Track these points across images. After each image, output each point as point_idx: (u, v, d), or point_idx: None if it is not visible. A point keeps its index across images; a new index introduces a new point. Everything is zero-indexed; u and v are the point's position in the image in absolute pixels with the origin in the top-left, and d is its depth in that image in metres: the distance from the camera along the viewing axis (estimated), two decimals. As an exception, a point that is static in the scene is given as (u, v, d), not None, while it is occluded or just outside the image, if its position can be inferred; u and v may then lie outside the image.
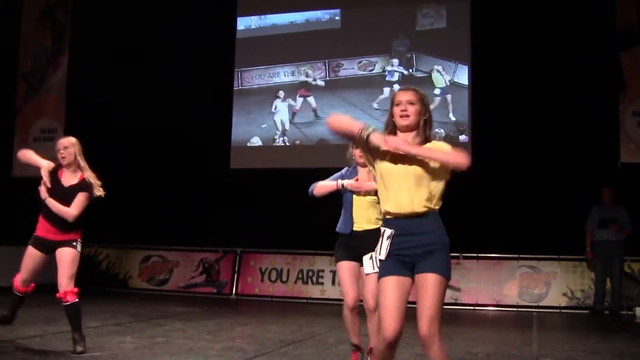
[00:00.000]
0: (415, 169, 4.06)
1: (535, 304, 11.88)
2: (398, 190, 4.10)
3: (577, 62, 12.04)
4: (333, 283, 12.96)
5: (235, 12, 14.75)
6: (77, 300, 6.58)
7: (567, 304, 11.91)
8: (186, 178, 14.06)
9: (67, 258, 6.54)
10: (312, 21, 14.38)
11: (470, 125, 12.78)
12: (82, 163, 6.73)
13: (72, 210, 6.48)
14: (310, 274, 13.18)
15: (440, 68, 13.31)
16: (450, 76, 13.30)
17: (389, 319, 4.07)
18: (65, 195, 6.52)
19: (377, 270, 5.69)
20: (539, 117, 12.18)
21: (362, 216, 6.18)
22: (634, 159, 11.96)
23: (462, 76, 13.23)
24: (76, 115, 14.66)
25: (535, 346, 7.85)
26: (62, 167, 6.66)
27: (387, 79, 13.64)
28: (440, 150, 4.05)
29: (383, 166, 4.18)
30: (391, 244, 4.11)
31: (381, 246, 4.17)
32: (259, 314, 10.71)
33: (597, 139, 11.99)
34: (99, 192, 6.71)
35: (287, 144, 13.99)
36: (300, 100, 14.00)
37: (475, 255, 12.12)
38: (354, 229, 6.21)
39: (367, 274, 5.92)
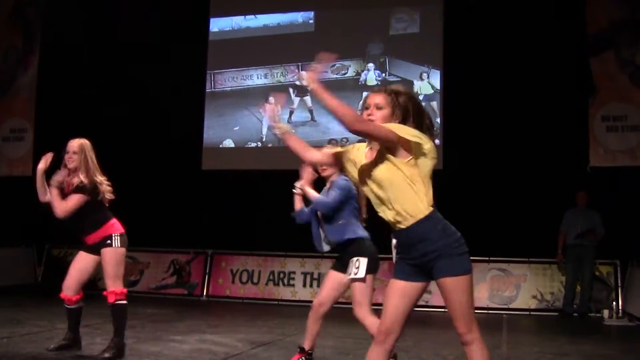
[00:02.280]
0: (375, 177, 3.94)
1: (505, 306, 11.95)
2: (376, 206, 4.04)
3: (548, 67, 12.15)
4: (304, 285, 12.98)
5: (209, 13, 14.72)
6: (118, 302, 6.38)
7: (537, 306, 12.00)
8: (158, 179, 13.98)
9: (104, 259, 6.41)
10: (286, 24, 14.39)
11: (442, 129, 12.84)
12: (91, 166, 6.50)
13: (65, 207, 6.32)
14: (282, 275, 13.17)
15: (425, 75, 13.36)
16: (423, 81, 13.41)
17: (384, 320, 4.04)
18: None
19: (349, 276, 5.75)
20: (510, 121, 12.25)
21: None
22: (603, 163, 12.09)
23: (434, 80, 13.31)
24: (46, 116, 14.56)
25: (505, 348, 7.90)
26: (68, 169, 6.47)
27: (360, 82, 13.70)
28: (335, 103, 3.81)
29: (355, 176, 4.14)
30: (397, 253, 4.09)
31: (393, 253, 4.19)
32: (230, 315, 10.69)
33: (567, 143, 12.11)
34: (109, 195, 6.57)
35: (279, 144, 13.90)
36: (297, 100, 13.97)
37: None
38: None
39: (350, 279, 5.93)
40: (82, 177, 6.37)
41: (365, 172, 4.00)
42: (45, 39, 14.84)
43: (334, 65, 13.81)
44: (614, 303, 11.68)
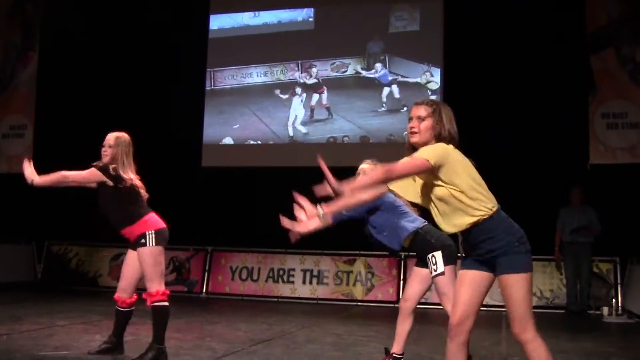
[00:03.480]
0: (436, 193, 4.04)
1: (505, 304, 11.93)
2: (436, 217, 4.13)
3: (548, 64, 12.16)
4: (304, 282, 12.99)
5: (209, 10, 14.71)
6: (157, 303, 6.07)
7: (537, 303, 11.98)
8: (157, 176, 13.84)
9: (140, 260, 6.10)
10: (286, 22, 14.38)
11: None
12: (120, 160, 6.23)
13: (65, 172, 6.07)
14: (281, 272, 13.18)
15: (430, 73, 13.36)
16: (418, 78, 13.48)
17: (456, 310, 4.04)
18: (104, 192, 6.19)
19: (433, 274, 5.71)
20: (511, 119, 12.24)
21: None
22: (603, 160, 12.10)
23: (435, 78, 13.33)
24: (46, 112, 14.56)
25: (504, 346, 7.89)
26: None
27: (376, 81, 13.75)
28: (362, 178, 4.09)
29: (418, 191, 4.22)
30: (464, 248, 4.15)
31: (460, 245, 4.24)
32: (229, 312, 10.69)
33: (567, 141, 12.11)
34: (143, 192, 6.32)
35: (298, 140, 13.94)
36: (316, 96, 13.97)
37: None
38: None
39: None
40: (107, 162, 6.13)
41: (424, 190, 4.13)
42: (45, 36, 14.84)
43: (334, 63, 13.82)
44: (614, 300, 11.71)
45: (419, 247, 5.88)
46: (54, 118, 14.21)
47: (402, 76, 13.55)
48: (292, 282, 13.10)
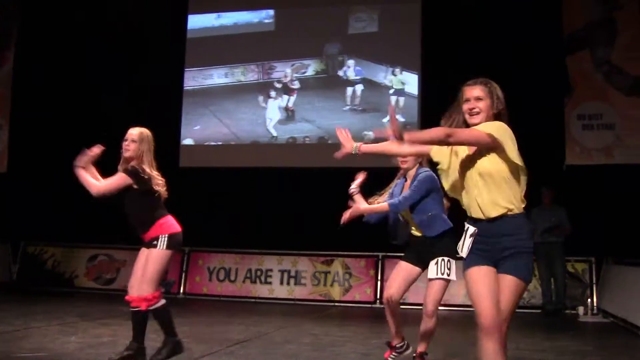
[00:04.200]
0: (484, 167, 3.92)
1: (482, 304, 11.98)
2: (472, 192, 3.98)
3: (525, 65, 12.20)
4: (281, 283, 12.99)
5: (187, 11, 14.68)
6: (153, 307, 5.99)
7: (513, 303, 12.05)
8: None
9: (147, 259, 6.02)
10: (246, 23, 14.42)
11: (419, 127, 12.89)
12: (146, 157, 6.13)
13: (98, 184, 5.94)
14: (259, 273, 13.16)
15: (397, 70, 13.42)
16: (378, 79, 13.63)
17: (485, 307, 3.91)
18: (125, 192, 6.07)
19: (440, 276, 5.70)
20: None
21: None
22: (579, 161, 12.21)
23: (402, 77, 13.48)
24: (22, 112, 14.46)
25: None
26: (123, 159, 6.13)
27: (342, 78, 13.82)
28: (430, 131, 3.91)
29: (455, 166, 4.08)
30: (474, 242, 3.99)
31: (463, 243, 4.04)
32: (207, 313, 10.67)
33: (543, 142, 12.17)
34: (163, 192, 6.17)
35: (263, 142, 13.94)
36: (292, 98, 14.00)
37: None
38: (415, 234, 6.09)
39: (430, 279, 5.85)
40: (134, 164, 6.05)
41: (468, 162, 4.00)
42: (21, 35, 14.74)
43: (294, 64, 13.87)
44: (589, 300, 11.80)
45: (440, 246, 5.81)
46: (29, 118, 14.12)
47: (365, 77, 13.66)
48: (270, 283, 13.09)
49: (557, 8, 12.51)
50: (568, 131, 12.37)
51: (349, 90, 13.69)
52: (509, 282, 3.89)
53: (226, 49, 14.30)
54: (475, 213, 3.96)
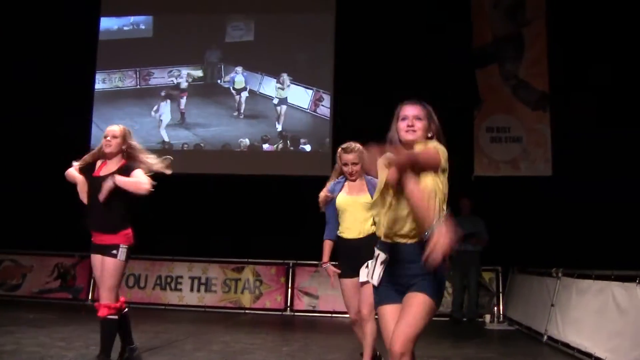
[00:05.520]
0: (422, 184, 3.90)
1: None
2: (393, 212, 3.94)
3: (435, 77, 12.37)
4: (191, 289, 12.90)
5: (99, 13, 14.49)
6: (110, 316, 6.05)
7: (421, 311, 12.22)
8: (42, 179, 13.64)
9: (104, 268, 6.04)
10: (124, 29, 14.36)
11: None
12: (133, 152, 6.24)
13: (142, 181, 6.01)
14: (169, 280, 13.05)
15: (280, 80, 13.57)
16: (257, 87, 13.73)
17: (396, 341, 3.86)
18: (100, 185, 6.02)
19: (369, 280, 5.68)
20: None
21: (357, 227, 6.09)
22: (487, 172, 12.50)
23: (269, 88, 13.73)
24: None
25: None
26: (105, 157, 6.21)
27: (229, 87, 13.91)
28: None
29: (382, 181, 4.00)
30: (384, 271, 3.95)
31: (374, 270, 3.99)
32: (115, 320, 10.52)
33: (453, 153, 12.35)
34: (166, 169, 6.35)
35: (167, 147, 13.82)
36: (183, 101, 13.94)
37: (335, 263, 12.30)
38: (347, 237, 6.12)
39: (361, 283, 5.86)
40: (129, 162, 6.16)
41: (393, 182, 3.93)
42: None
43: (171, 71, 13.87)
44: (495, 308, 12.05)
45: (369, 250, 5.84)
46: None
47: (246, 87, 13.82)
48: (180, 290, 12.99)
49: (467, 22, 12.79)
50: (477, 143, 12.64)
51: (232, 98, 13.82)
52: (418, 298, 3.86)
53: (103, 54, 14.27)
54: (392, 233, 3.98)
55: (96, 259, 6.16)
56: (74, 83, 13.78)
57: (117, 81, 14.14)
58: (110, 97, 14.14)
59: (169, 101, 13.86)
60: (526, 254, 11.43)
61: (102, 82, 14.22)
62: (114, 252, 6.04)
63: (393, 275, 3.94)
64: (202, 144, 13.60)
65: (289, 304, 12.52)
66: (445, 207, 3.99)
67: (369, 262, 4.17)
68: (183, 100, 13.89)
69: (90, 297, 13.05)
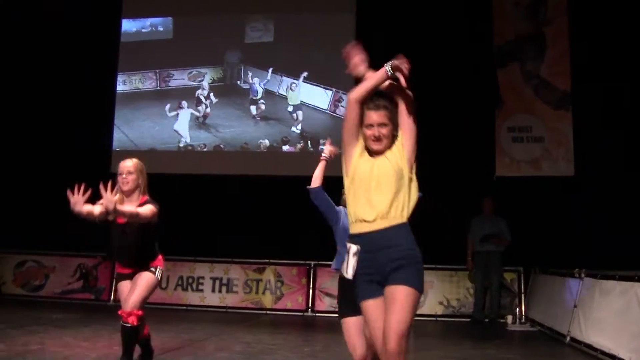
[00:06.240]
0: (387, 170, 3.91)
1: (412, 312, 12.08)
2: (366, 198, 3.92)
3: (456, 77, 12.36)
4: (213, 290, 12.92)
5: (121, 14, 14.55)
6: (128, 325, 6.05)
7: (444, 312, 12.22)
8: (64, 181, 13.66)
9: (142, 279, 6.04)
10: (145, 31, 14.41)
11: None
12: (146, 190, 6.17)
13: (145, 209, 5.78)
14: (190, 280, 13.07)
15: (295, 85, 13.56)
16: (276, 89, 13.78)
17: (378, 343, 3.84)
18: (123, 232, 5.97)
19: (344, 274, 5.48)
20: (420, 130, 12.39)
21: None
22: (508, 173, 12.43)
23: (301, 92, 13.69)
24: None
25: (411, 353, 8.02)
26: (122, 193, 6.04)
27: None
28: None
29: (357, 165, 4.01)
30: (358, 262, 3.91)
31: (347, 263, 3.94)
32: (137, 321, 10.55)
33: (474, 153, 12.35)
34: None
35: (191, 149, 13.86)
36: (203, 102, 13.97)
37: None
38: None
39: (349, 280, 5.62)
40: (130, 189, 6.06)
41: (367, 166, 3.99)
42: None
43: (190, 73, 13.89)
44: (517, 309, 11.99)
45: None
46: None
47: (265, 88, 13.81)
48: (202, 291, 13.01)
49: (488, 22, 12.73)
50: (498, 143, 12.58)
51: (249, 99, 13.82)
52: (401, 292, 3.78)
53: (123, 56, 14.32)
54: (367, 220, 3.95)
55: (124, 285, 6.16)
56: (95, 85, 13.85)
57: (138, 83, 14.20)
58: (131, 99, 14.20)
59: (188, 102, 13.88)
60: (548, 254, 11.36)
61: (122, 84, 14.26)
62: (153, 269, 6.10)
63: (371, 266, 3.88)
64: (221, 145, 13.64)
65: (310, 305, 12.53)
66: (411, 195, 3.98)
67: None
68: (202, 102, 13.90)
69: (112, 298, 13.10)
